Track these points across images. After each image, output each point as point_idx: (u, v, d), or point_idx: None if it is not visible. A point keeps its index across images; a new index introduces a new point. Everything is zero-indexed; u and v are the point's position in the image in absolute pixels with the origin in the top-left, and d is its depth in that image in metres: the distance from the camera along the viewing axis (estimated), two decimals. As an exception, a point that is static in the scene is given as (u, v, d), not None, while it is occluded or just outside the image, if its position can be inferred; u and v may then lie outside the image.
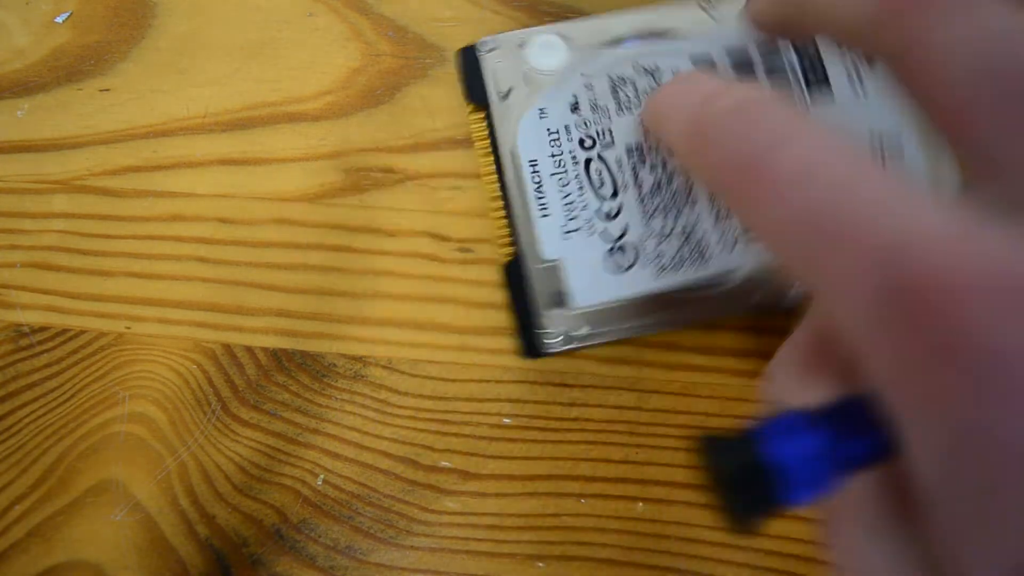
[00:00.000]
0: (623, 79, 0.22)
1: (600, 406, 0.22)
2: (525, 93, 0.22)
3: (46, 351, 0.23)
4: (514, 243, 0.22)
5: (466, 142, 0.24)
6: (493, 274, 0.23)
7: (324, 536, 0.22)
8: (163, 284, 0.23)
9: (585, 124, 0.22)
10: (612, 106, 0.22)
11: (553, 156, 0.22)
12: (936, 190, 0.12)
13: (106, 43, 0.25)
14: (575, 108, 0.22)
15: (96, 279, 0.24)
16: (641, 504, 0.22)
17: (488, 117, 0.23)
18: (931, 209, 0.11)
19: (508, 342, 0.23)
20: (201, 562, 0.22)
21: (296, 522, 0.22)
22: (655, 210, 0.22)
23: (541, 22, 0.25)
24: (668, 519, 0.22)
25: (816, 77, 0.22)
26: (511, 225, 0.22)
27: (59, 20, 0.26)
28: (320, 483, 0.22)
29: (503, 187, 0.22)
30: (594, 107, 0.22)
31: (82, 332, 0.23)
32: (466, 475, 0.22)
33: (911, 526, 0.13)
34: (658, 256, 0.21)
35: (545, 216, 0.21)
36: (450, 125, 0.24)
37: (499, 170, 0.22)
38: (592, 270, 0.21)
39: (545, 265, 0.21)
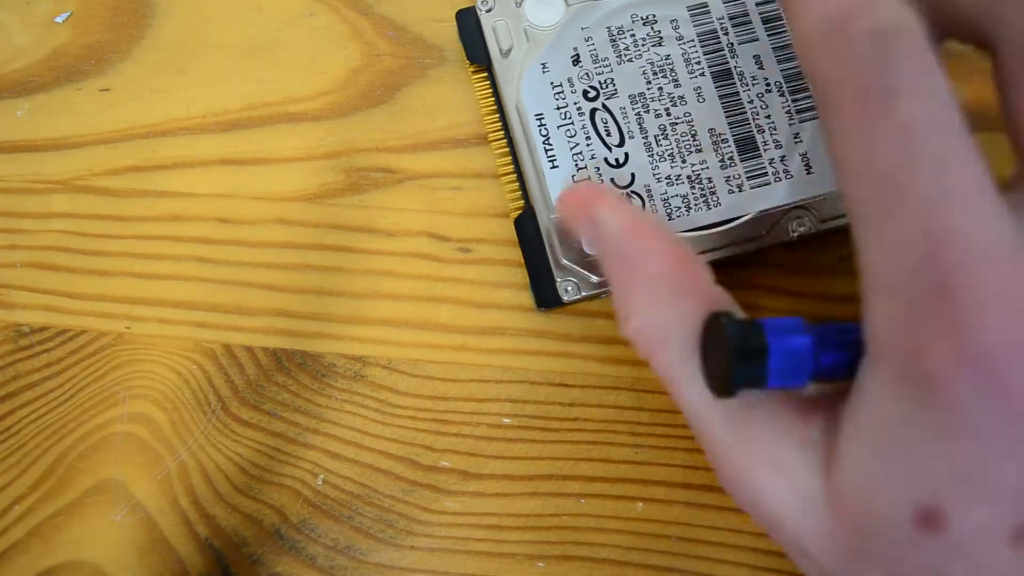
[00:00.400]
0: (621, 30, 0.23)
1: (600, 406, 0.22)
2: (526, 49, 0.23)
3: (46, 351, 0.23)
4: (524, 197, 0.22)
5: (466, 142, 0.24)
6: (493, 274, 0.23)
7: (324, 536, 0.22)
8: (163, 284, 0.23)
9: (588, 75, 0.22)
10: (613, 56, 0.23)
11: (558, 108, 0.22)
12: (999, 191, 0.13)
13: (106, 43, 0.25)
14: (576, 60, 0.23)
15: (96, 279, 0.24)
16: (641, 504, 0.22)
17: (490, 76, 0.23)
18: (991, 217, 0.13)
19: (508, 342, 0.23)
20: (201, 562, 0.22)
21: (296, 522, 0.22)
22: (662, 156, 0.22)
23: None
24: (668, 519, 0.22)
25: None
26: (520, 179, 0.22)
27: (59, 20, 0.26)
28: (320, 483, 0.22)
29: (511, 143, 0.23)
30: (595, 58, 0.23)
31: (82, 332, 0.23)
32: (466, 475, 0.22)
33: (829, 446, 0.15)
34: (666, 201, 0.22)
35: (554, 168, 0.22)
36: (450, 125, 0.24)
37: (505, 127, 0.23)
38: None
39: (556, 216, 0.22)
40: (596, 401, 0.22)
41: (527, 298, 0.23)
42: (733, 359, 0.15)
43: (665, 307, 0.16)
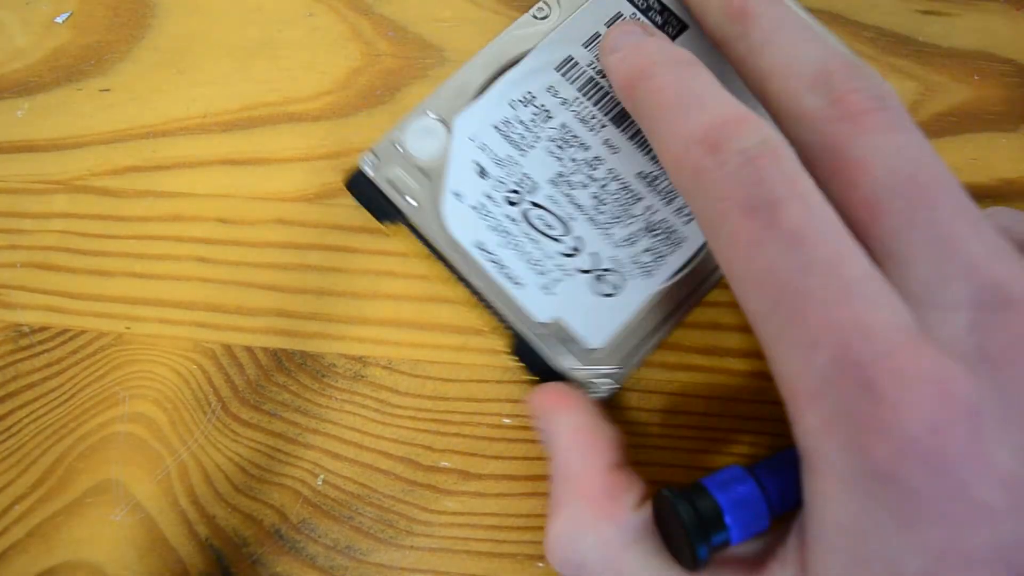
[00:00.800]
0: (507, 121, 0.22)
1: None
2: (429, 187, 0.21)
3: (46, 351, 0.23)
4: (508, 327, 0.21)
5: (466, 142, 0.24)
6: (493, 274, 0.23)
7: (324, 536, 0.22)
8: (163, 284, 0.23)
9: (501, 182, 0.21)
10: (513, 152, 0.22)
11: (492, 229, 0.21)
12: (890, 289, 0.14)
13: (106, 43, 0.25)
14: (483, 173, 0.21)
15: (96, 279, 0.24)
16: (641, 504, 0.22)
17: (411, 228, 0.22)
18: (889, 304, 0.13)
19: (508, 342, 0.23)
20: (201, 562, 0.22)
21: (296, 522, 0.22)
22: (609, 223, 0.21)
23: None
24: (668, 519, 0.22)
25: (676, 29, 0.22)
26: (495, 312, 0.21)
27: (59, 20, 0.26)
28: (320, 483, 0.22)
29: (465, 282, 0.21)
30: (499, 162, 0.21)
31: (82, 332, 0.23)
32: (466, 475, 0.22)
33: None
34: (637, 262, 0.21)
35: (519, 286, 0.21)
36: (450, 125, 0.24)
37: (452, 269, 0.21)
38: (590, 309, 0.21)
39: (548, 330, 0.21)
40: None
41: (527, 298, 0.23)
42: (692, 532, 0.15)
43: (585, 529, 0.17)
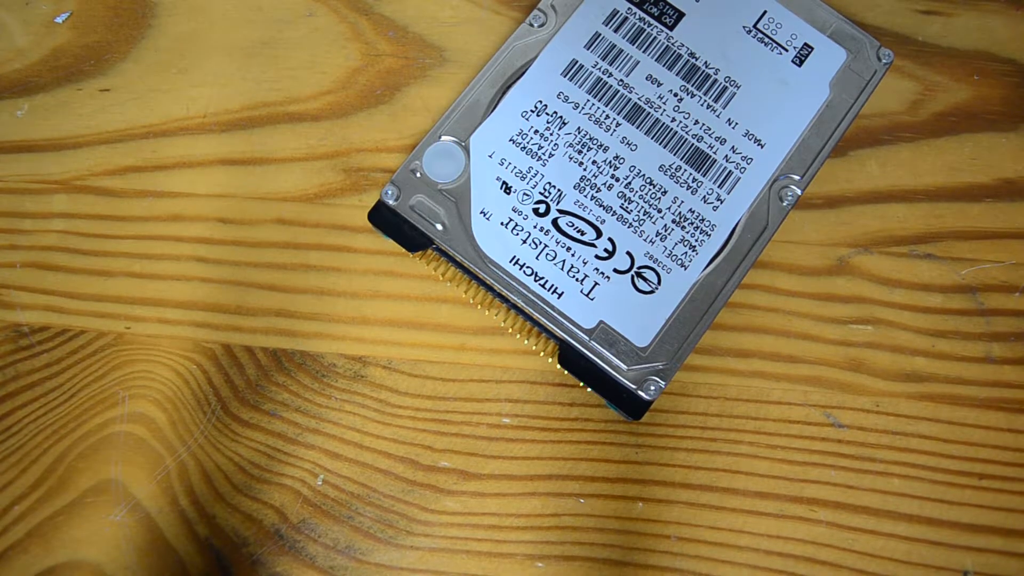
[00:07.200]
0: (523, 133, 0.22)
1: (600, 406, 0.22)
2: (455, 209, 0.21)
3: (46, 351, 0.23)
4: (552, 336, 0.21)
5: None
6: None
7: (324, 536, 0.22)
8: (163, 284, 0.23)
9: (526, 194, 0.21)
10: (533, 163, 0.22)
11: (524, 242, 0.21)
12: None
13: (106, 43, 0.25)
14: (507, 189, 0.21)
15: (96, 279, 0.24)
16: (641, 504, 0.22)
17: (441, 252, 0.22)
18: None
19: (508, 342, 0.23)
20: (201, 562, 0.22)
21: (296, 522, 0.22)
22: (639, 220, 0.21)
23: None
24: (668, 519, 0.22)
25: (672, 18, 0.23)
26: (538, 324, 0.21)
27: (59, 20, 0.26)
28: (320, 483, 0.22)
29: (503, 299, 0.21)
30: (521, 175, 0.22)
31: (82, 332, 0.23)
32: (466, 475, 0.22)
33: None
34: (672, 256, 0.21)
35: (560, 295, 0.21)
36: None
37: (487, 287, 0.21)
38: (632, 309, 0.21)
39: (594, 335, 0.21)
40: (596, 401, 0.22)
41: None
42: None
43: None
